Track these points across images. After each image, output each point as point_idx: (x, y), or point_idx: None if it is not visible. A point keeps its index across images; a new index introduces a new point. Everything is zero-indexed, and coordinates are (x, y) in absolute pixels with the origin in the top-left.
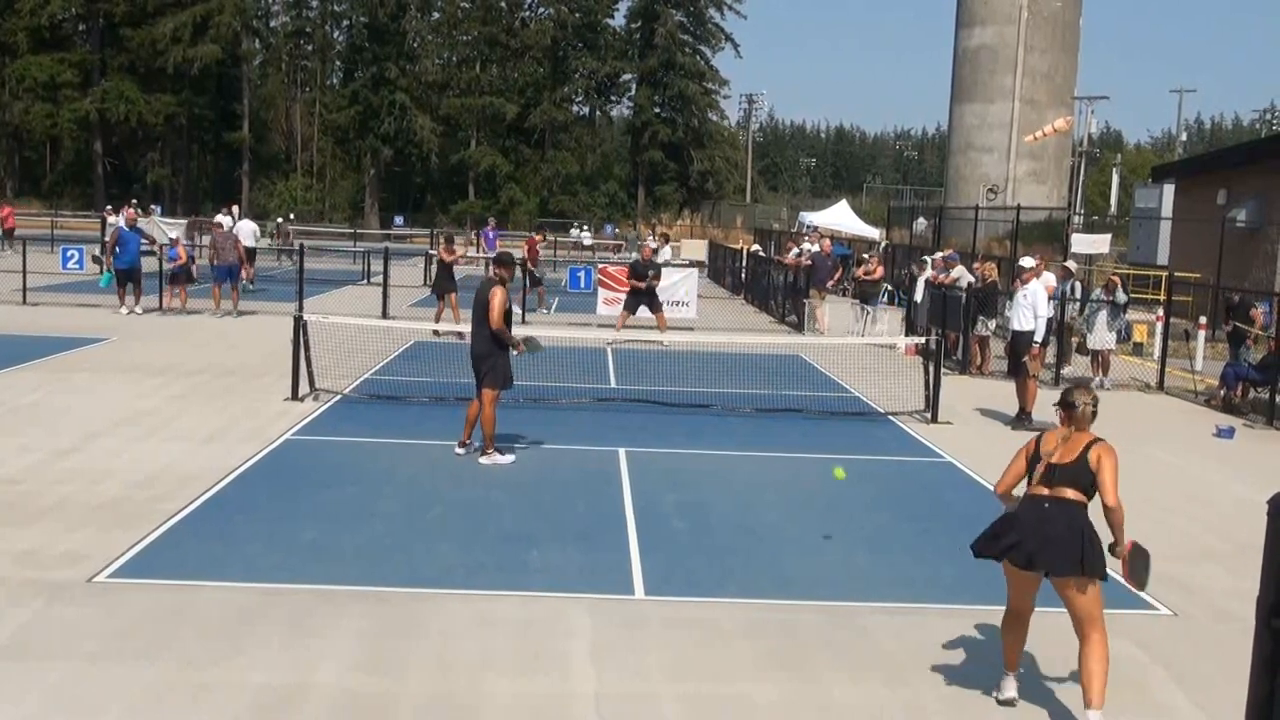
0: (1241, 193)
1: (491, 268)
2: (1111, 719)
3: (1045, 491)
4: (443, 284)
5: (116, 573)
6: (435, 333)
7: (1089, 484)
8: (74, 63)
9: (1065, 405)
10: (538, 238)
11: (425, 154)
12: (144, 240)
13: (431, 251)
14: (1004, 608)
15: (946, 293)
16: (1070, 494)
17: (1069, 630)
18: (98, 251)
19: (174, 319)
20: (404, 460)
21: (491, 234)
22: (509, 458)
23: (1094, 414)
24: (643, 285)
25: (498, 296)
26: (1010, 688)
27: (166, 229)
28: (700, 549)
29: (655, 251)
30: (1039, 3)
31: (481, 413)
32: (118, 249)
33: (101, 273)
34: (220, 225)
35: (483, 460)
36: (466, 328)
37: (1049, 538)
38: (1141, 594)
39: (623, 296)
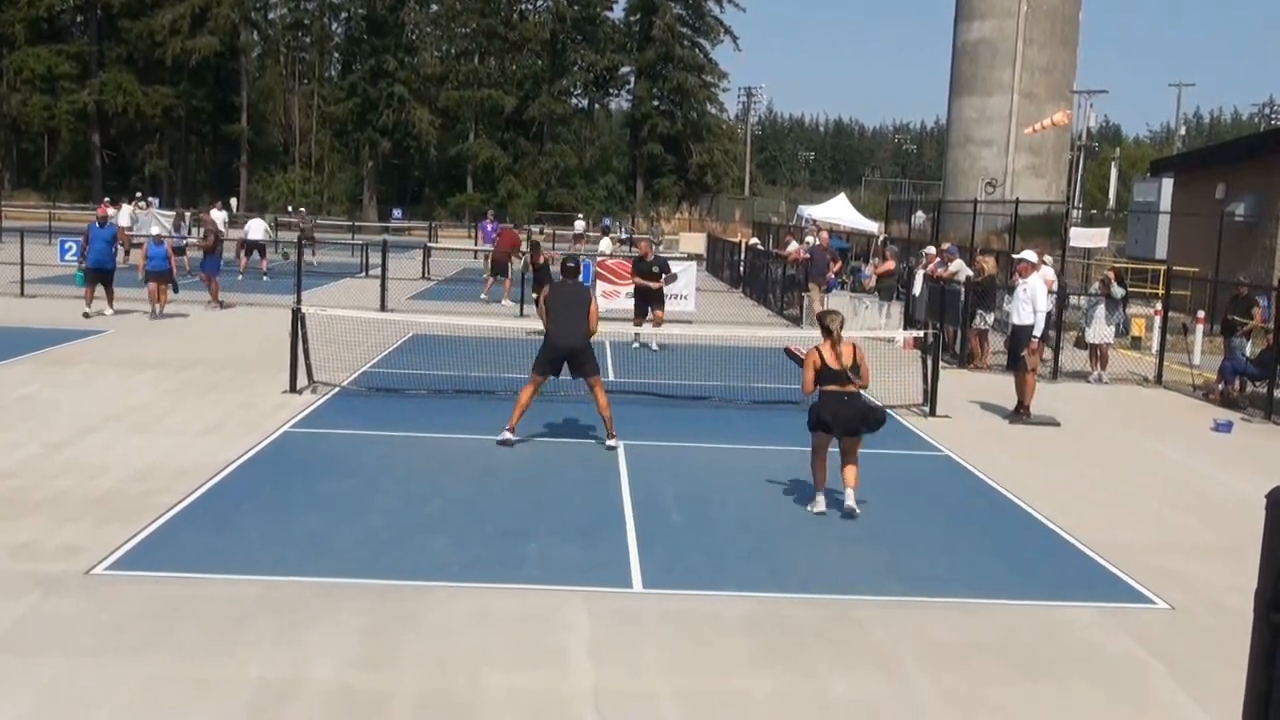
0: (1240, 187)
1: (563, 269)
2: (1110, 714)
3: (841, 388)
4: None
5: (113, 566)
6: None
7: (858, 372)
8: (72, 54)
9: (826, 331)
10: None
11: (423, 146)
12: (161, 239)
13: (430, 244)
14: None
15: (945, 287)
16: (854, 385)
17: None
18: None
19: (171, 311)
20: (402, 453)
21: (490, 227)
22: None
23: (842, 325)
24: (655, 285)
25: (596, 299)
26: (822, 503)
27: (164, 222)
28: (698, 543)
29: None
30: None
31: (602, 398)
32: (89, 246)
33: (77, 270)
34: (213, 220)
35: (610, 443)
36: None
37: (851, 416)
38: (1139, 588)
39: (620, 289)
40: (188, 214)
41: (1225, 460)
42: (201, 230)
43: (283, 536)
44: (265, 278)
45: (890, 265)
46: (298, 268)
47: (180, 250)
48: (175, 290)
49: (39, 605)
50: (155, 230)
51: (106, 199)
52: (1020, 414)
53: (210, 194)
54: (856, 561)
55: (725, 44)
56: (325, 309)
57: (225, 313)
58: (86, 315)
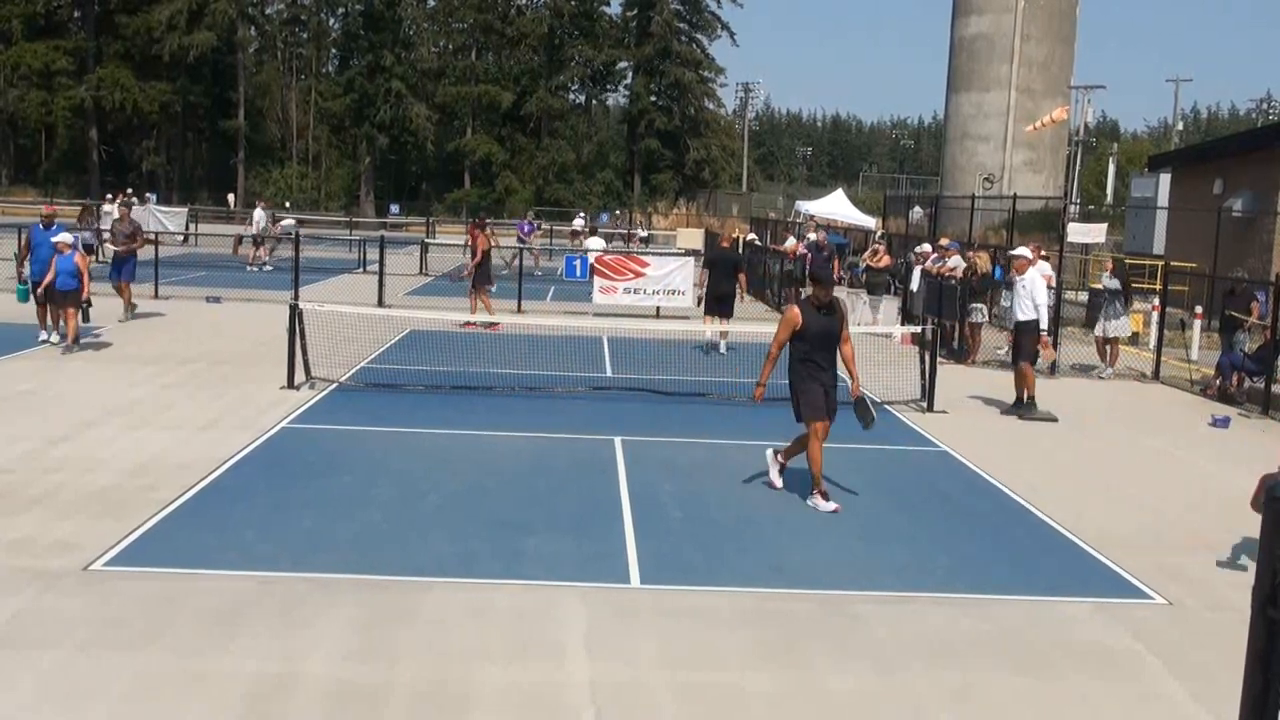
0: (1237, 182)
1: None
2: (1108, 710)
3: None
4: (481, 273)
5: (110, 561)
6: (477, 324)
7: None
8: (69, 50)
9: None
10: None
11: (421, 142)
12: (70, 247)
13: (427, 240)
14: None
15: (943, 282)
16: None
17: None
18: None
19: (165, 306)
20: (399, 449)
21: (526, 227)
22: (831, 505)
23: None
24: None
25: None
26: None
27: (164, 220)
28: (695, 538)
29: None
30: None
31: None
32: (30, 255)
33: (18, 284)
34: (132, 219)
35: (807, 500)
36: (499, 318)
37: None
38: (1137, 584)
39: (618, 285)
40: (107, 205)
41: (1223, 455)
42: (128, 226)
43: (279, 532)
44: (267, 267)
45: (885, 260)
46: (294, 263)
47: (90, 249)
48: (86, 319)
49: (36, 600)
50: (168, 228)
51: (108, 195)
52: (1026, 405)
53: (209, 189)
54: (854, 557)
55: (722, 39)
56: (323, 305)
57: (222, 307)
58: (51, 341)
